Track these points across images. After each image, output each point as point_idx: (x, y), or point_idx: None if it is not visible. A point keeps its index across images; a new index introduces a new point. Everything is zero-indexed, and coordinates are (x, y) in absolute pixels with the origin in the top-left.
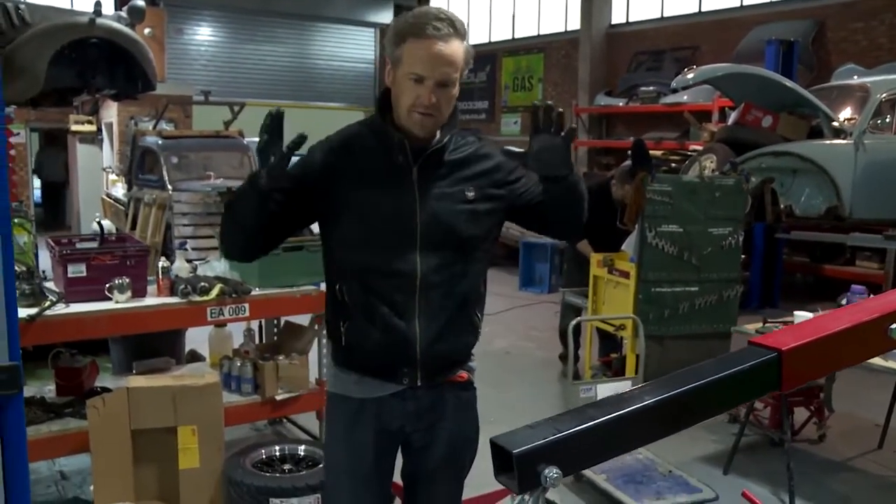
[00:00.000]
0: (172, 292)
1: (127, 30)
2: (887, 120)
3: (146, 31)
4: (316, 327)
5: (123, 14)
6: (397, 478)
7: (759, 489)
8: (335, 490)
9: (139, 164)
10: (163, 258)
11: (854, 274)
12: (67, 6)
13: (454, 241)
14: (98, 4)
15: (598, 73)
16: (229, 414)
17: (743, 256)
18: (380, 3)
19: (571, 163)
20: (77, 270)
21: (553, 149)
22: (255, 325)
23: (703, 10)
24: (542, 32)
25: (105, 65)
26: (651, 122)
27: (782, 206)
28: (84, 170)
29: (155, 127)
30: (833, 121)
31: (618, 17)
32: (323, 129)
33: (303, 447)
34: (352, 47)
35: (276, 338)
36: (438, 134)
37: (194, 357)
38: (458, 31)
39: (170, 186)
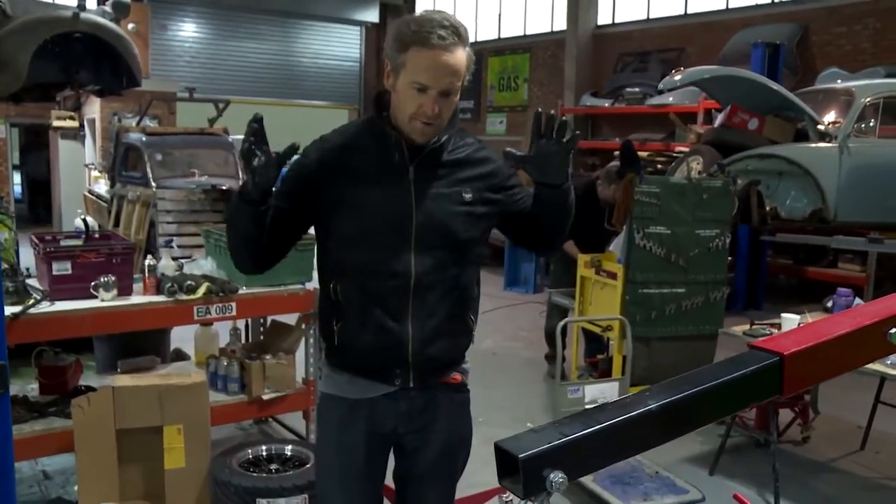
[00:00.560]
0: (159, 291)
1: (112, 25)
2: (871, 124)
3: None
4: (303, 326)
5: (108, 9)
6: (389, 480)
7: (744, 490)
8: (326, 491)
9: (122, 161)
10: (149, 256)
11: (836, 276)
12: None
13: (450, 242)
14: None
15: (584, 73)
16: (215, 413)
17: (729, 258)
18: (366, 2)
19: (568, 173)
20: (62, 268)
21: (552, 155)
22: (241, 324)
23: (688, 12)
24: (528, 32)
25: (89, 60)
26: (636, 123)
27: (768, 208)
28: (66, 166)
29: (139, 123)
30: (818, 124)
31: (604, 18)
32: (308, 127)
33: (290, 447)
34: (337, 45)
35: (262, 337)
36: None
37: (179, 356)
38: (462, 38)
39: (154, 184)
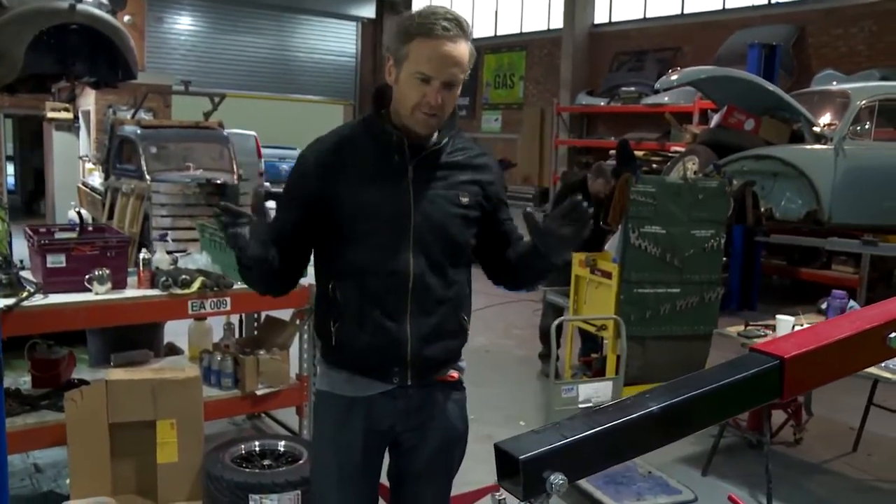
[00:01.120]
0: (153, 284)
1: (108, 17)
2: (867, 126)
3: (126, 18)
4: (297, 322)
5: (104, 1)
6: (383, 479)
7: (737, 491)
8: (323, 488)
9: (117, 154)
10: (143, 250)
11: (830, 278)
12: None
13: (446, 243)
14: None
15: (580, 72)
16: (209, 408)
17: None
18: None
19: (568, 258)
20: (56, 261)
21: (562, 240)
22: (234, 318)
23: (685, 11)
24: (524, 30)
25: (85, 52)
26: (632, 122)
27: (763, 209)
28: (60, 158)
29: (134, 116)
30: (814, 126)
31: (600, 16)
32: (303, 121)
33: (283, 443)
34: (333, 41)
35: (256, 332)
36: (436, 135)
37: (172, 350)
38: (465, 31)
39: (148, 177)
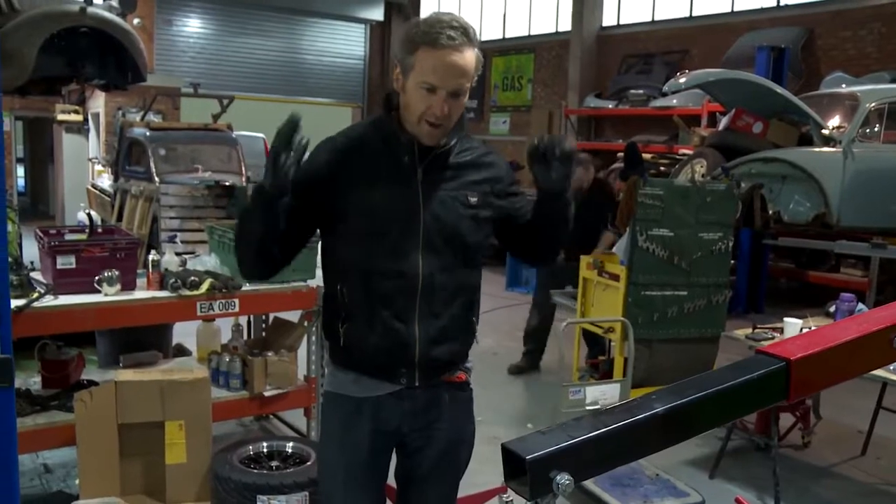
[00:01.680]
0: (162, 286)
1: (118, 19)
2: (875, 129)
3: (135, 21)
4: (305, 324)
5: (114, 3)
6: (390, 480)
7: (744, 494)
8: (330, 489)
9: (126, 156)
10: (153, 251)
11: (838, 281)
12: None
13: (456, 244)
14: None
15: (588, 74)
16: (217, 409)
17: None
18: (371, 0)
19: (568, 185)
20: (66, 262)
21: (551, 168)
22: (243, 320)
23: (694, 14)
24: (532, 33)
25: (95, 54)
26: (640, 125)
27: (770, 212)
28: (69, 160)
29: (143, 118)
30: (823, 128)
31: (609, 19)
32: (311, 124)
33: (291, 444)
34: (342, 43)
35: (264, 334)
36: (445, 137)
37: (181, 351)
38: (470, 39)
39: (157, 179)
